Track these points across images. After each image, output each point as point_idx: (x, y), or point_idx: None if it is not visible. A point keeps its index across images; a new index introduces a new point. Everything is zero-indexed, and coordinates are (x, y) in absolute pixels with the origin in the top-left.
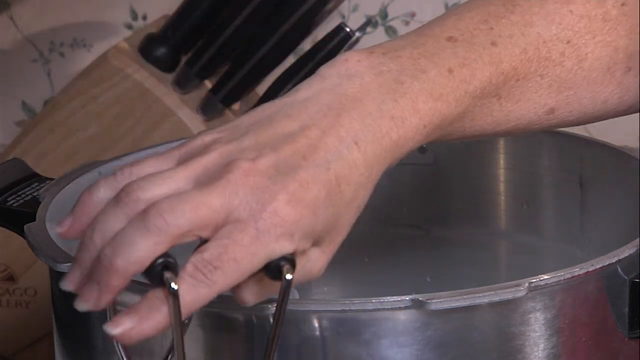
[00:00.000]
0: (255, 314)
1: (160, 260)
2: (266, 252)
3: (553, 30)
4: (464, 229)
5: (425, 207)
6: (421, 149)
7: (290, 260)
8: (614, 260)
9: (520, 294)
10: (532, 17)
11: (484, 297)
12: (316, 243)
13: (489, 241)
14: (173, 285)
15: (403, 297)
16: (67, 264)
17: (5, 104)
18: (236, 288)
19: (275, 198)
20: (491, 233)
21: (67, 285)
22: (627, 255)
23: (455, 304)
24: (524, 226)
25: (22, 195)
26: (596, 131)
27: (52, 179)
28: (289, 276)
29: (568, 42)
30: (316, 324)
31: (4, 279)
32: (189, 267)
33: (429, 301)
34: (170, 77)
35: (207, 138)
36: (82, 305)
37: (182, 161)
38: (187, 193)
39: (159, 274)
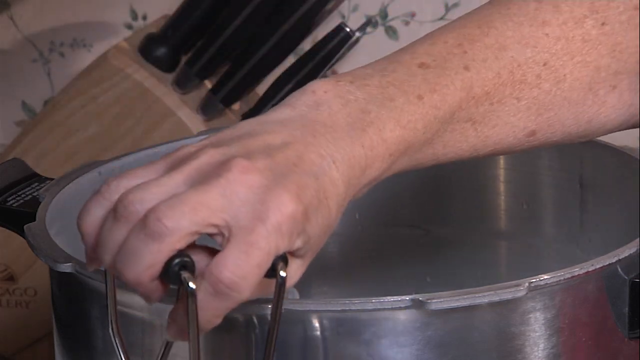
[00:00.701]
0: (255, 314)
1: (176, 261)
2: (274, 251)
3: (528, 53)
4: (464, 229)
5: (425, 207)
6: None
7: (283, 258)
8: (614, 260)
9: (520, 294)
10: (507, 41)
11: (484, 297)
12: (300, 253)
13: (489, 241)
14: (191, 285)
15: (403, 297)
16: (67, 264)
17: (5, 104)
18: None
19: (279, 196)
20: (491, 233)
21: None
22: (627, 255)
23: (455, 304)
24: (524, 226)
25: (22, 195)
26: None
27: (52, 179)
28: (283, 273)
29: (545, 64)
30: (316, 324)
31: (4, 279)
32: (211, 281)
33: (429, 301)
34: (170, 77)
35: (193, 147)
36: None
37: (172, 168)
38: (184, 194)
39: (176, 274)
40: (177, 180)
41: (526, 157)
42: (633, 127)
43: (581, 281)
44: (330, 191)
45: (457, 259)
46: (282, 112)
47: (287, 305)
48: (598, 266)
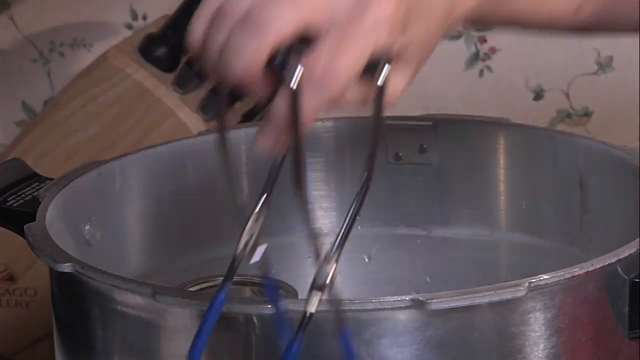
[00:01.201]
0: (255, 314)
1: (281, 51)
2: (371, 47)
3: None
4: (464, 229)
5: (425, 207)
6: (421, 149)
7: (386, 59)
8: (614, 260)
9: (520, 294)
10: None
11: (484, 297)
12: (402, 58)
13: (489, 241)
14: (292, 83)
15: (403, 297)
16: (67, 264)
17: (5, 104)
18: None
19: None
20: (491, 233)
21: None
22: (627, 255)
23: (455, 304)
24: (524, 226)
25: (22, 195)
26: (596, 131)
27: (52, 179)
28: (384, 72)
29: None
30: (316, 324)
31: (4, 279)
32: (307, 71)
33: (429, 301)
34: (170, 77)
35: None
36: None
37: None
38: None
39: (280, 64)
40: None
41: (526, 157)
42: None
43: (581, 281)
44: (429, 9)
45: (457, 259)
46: None
47: (287, 305)
48: (598, 266)
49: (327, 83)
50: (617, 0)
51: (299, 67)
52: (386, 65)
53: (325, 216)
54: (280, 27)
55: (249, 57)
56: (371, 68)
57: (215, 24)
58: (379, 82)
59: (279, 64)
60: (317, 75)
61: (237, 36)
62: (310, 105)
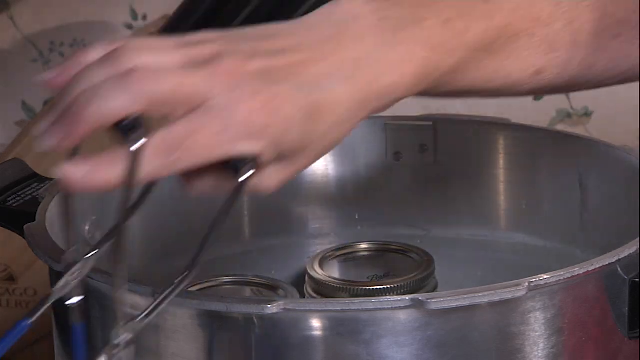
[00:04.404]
0: (255, 313)
1: (130, 119)
2: (228, 148)
3: None
4: (464, 229)
5: (425, 207)
6: (421, 149)
7: (252, 163)
8: (614, 260)
9: (520, 294)
10: None
11: (483, 296)
12: (276, 160)
13: (489, 241)
14: (135, 146)
15: (403, 297)
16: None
17: (5, 104)
18: (191, 175)
19: (253, 99)
20: (491, 233)
21: (39, 129)
22: (627, 255)
23: (455, 304)
24: (524, 226)
25: (22, 195)
26: (596, 131)
27: (52, 179)
28: (245, 175)
29: (557, 4)
30: (316, 324)
31: (4, 279)
32: (156, 139)
33: (429, 301)
34: None
35: (211, 34)
36: (41, 140)
37: (180, 47)
38: (172, 69)
39: (125, 131)
40: (176, 55)
41: (526, 157)
42: (628, 80)
43: (581, 281)
44: (326, 108)
45: (457, 259)
46: (316, 17)
47: (287, 305)
48: (598, 266)
49: (168, 152)
50: (588, 61)
51: (144, 139)
52: (248, 170)
53: (325, 216)
54: (153, 97)
55: (108, 109)
56: (235, 166)
57: (101, 64)
58: (239, 180)
59: (126, 126)
60: (164, 142)
61: (111, 85)
62: (148, 165)
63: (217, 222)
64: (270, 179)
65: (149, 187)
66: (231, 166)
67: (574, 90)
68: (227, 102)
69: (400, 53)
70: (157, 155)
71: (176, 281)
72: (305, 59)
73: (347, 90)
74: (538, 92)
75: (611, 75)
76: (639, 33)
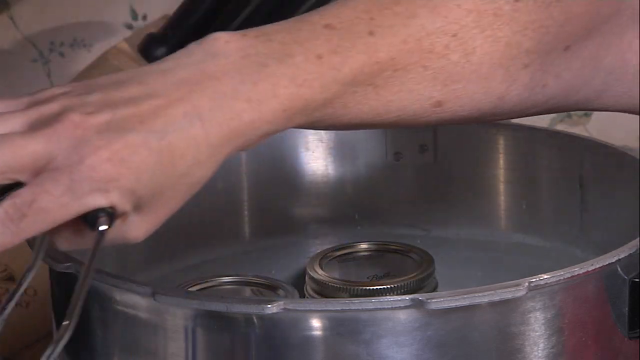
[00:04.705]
0: (255, 313)
1: None
2: (79, 204)
3: (438, 22)
4: (464, 229)
5: (425, 207)
6: (421, 149)
7: (108, 213)
8: (614, 260)
9: (520, 294)
10: (417, 10)
11: (483, 296)
12: (138, 208)
13: (489, 241)
14: None
15: (403, 297)
16: (67, 264)
17: None
18: (52, 233)
19: (96, 153)
20: (491, 233)
21: None
22: (627, 255)
23: (455, 304)
24: (524, 226)
25: None
26: (596, 131)
27: None
28: (102, 228)
29: (454, 35)
30: (316, 324)
31: (4, 279)
32: (4, 207)
33: (429, 301)
34: None
35: (59, 90)
36: None
37: (28, 107)
38: (11, 135)
39: None
40: (18, 119)
41: (526, 157)
42: (550, 110)
43: (581, 281)
44: (182, 149)
45: (457, 259)
46: (175, 59)
47: (287, 305)
48: (598, 266)
49: (13, 225)
50: (496, 92)
51: None
52: (104, 222)
53: (325, 216)
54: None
55: None
56: (93, 219)
57: None
58: (97, 232)
59: None
60: (7, 215)
61: None
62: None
63: (84, 277)
64: (136, 227)
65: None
66: (89, 219)
67: (497, 120)
68: (71, 160)
69: (262, 90)
70: (6, 224)
71: (55, 338)
72: (157, 105)
73: (203, 129)
74: (450, 123)
75: (529, 105)
76: (553, 61)
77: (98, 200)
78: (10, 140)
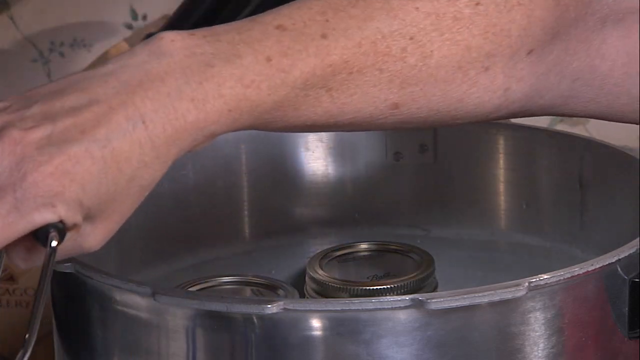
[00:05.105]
0: (255, 313)
1: None
2: (26, 222)
3: (395, 25)
4: (464, 229)
5: (425, 207)
6: (421, 149)
7: (58, 228)
8: (614, 260)
9: (520, 294)
10: (374, 12)
11: (483, 296)
12: (89, 218)
13: (489, 241)
14: None
15: (403, 297)
16: (67, 264)
17: None
18: (7, 252)
19: (38, 169)
20: (491, 233)
21: None
22: (627, 255)
23: (455, 304)
24: (524, 226)
25: None
26: (596, 131)
27: None
28: (54, 243)
29: (411, 38)
30: (316, 324)
31: (4, 279)
32: None
33: (429, 301)
34: None
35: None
36: None
37: None
38: None
39: None
40: None
41: (526, 157)
42: (515, 114)
43: (581, 281)
44: (127, 153)
45: (457, 259)
46: (119, 61)
47: (287, 305)
48: (598, 266)
49: None
50: (454, 95)
51: None
52: (54, 237)
53: (325, 216)
54: None
55: None
56: (44, 234)
57: None
58: (47, 249)
59: None
60: None
61: None
62: None
63: (39, 292)
64: (91, 237)
65: None
66: (40, 235)
67: (459, 123)
68: (14, 178)
69: (207, 89)
70: None
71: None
72: (98, 112)
73: (147, 132)
74: (408, 126)
75: (490, 108)
76: (516, 65)
77: (45, 216)
78: None
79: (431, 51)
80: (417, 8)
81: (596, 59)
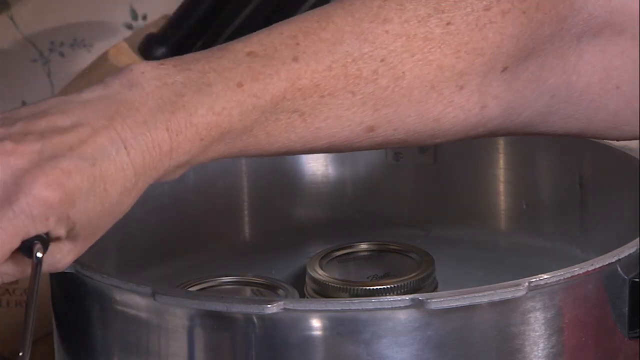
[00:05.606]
0: (255, 313)
1: None
2: (22, 233)
3: (365, 48)
4: (464, 229)
5: (425, 207)
6: (421, 149)
7: (42, 240)
8: (614, 260)
9: (520, 294)
10: (344, 36)
11: (483, 296)
12: (70, 236)
13: (489, 241)
14: None
15: (403, 297)
16: None
17: (5, 104)
18: None
19: (34, 180)
20: (491, 233)
21: None
22: (627, 255)
23: (455, 304)
24: (524, 226)
25: None
26: None
27: None
28: (39, 254)
29: (382, 60)
30: (316, 324)
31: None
32: None
33: (429, 301)
34: None
35: None
36: None
37: None
38: None
39: None
40: None
41: (526, 157)
42: (495, 133)
43: (581, 281)
44: (112, 176)
45: (457, 259)
46: (93, 92)
47: (287, 305)
48: (598, 266)
49: None
50: (430, 115)
51: None
52: (38, 249)
53: (326, 216)
54: None
55: None
56: (28, 247)
57: None
58: (35, 261)
59: None
60: None
61: None
62: None
63: (30, 303)
64: (64, 257)
65: None
66: (25, 247)
67: (430, 143)
68: (9, 190)
69: (179, 119)
70: None
71: None
72: (83, 132)
73: (128, 157)
74: (384, 146)
75: (468, 126)
76: (491, 83)
77: (39, 228)
78: None
79: (403, 72)
80: (387, 31)
81: (573, 75)
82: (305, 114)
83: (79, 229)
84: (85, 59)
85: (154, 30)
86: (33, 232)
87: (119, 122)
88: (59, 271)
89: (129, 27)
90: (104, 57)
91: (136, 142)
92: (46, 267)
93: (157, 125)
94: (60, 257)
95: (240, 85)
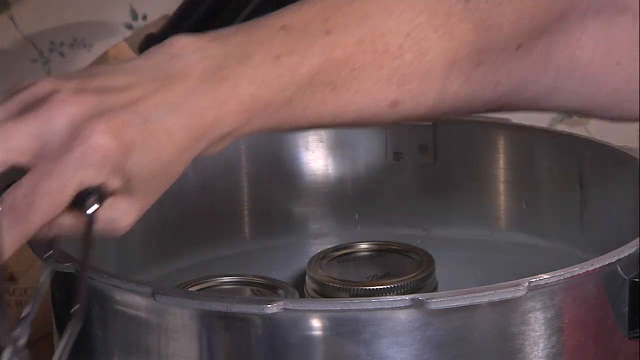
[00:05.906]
0: (256, 313)
1: None
2: (77, 181)
3: (391, 23)
4: (464, 229)
5: (425, 207)
6: (421, 149)
7: (97, 193)
8: (614, 260)
9: (519, 294)
10: (371, 9)
11: (483, 296)
12: (127, 191)
13: (489, 241)
14: None
15: (403, 297)
16: (67, 264)
17: None
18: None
19: (90, 127)
20: (491, 233)
21: None
22: (627, 255)
23: (455, 304)
24: (524, 226)
25: None
26: (596, 131)
27: None
28: (91, 208)
29: (407, 35)
30: (316, 324)
31: (4, 279)
32: (6, 205)
33: (428, 301)
34: None
35: (42, 81)
36: None
37: (10, 97)
38: (2, 122)
39: None
40: (9, 108)
41: (526, 157)
42: (501, 108)
43: (581, 281)
44: (163, 138)
45: (457, 259)
46: (137, 62)
47: (287, 305)
48: (598, 266)
49: (24, 215)
50: (448, 91)
51: None
52: (93, 202)
53: (325, 216)
54: None
55: None
56: (82, 200)
57: None
58: (88, 213)
59: None
60: (15, 208)
61: None
62: (8, 236)
63: (84, 257)
64: (123, 216)
65: None
66: (79, 200)
67: (445, 117)
68: (63, 139)
69: (223, 90)
70: (15, 216)
71: (70, 324)
72: (135, 92)
73: (181, 119)
74: (405, 122)
75: (482, 103)
76: (506, 60)
77: (95, 176)
78: (3, 126)
79: (427, 47)
80: (412, 5)
81: (576, 50)
82: (337, 87)
83: (134, 183)
84: (85, 59)
85: (154, 30)
86: (87, 183)
87: (169, 87)
88: (119, 233)
89: (129, 27)
90: (104, 57)
91: (184, 109)
92: (104, 226)
93: (204, 94)
94: (117, 215)
95: (277, 57)
